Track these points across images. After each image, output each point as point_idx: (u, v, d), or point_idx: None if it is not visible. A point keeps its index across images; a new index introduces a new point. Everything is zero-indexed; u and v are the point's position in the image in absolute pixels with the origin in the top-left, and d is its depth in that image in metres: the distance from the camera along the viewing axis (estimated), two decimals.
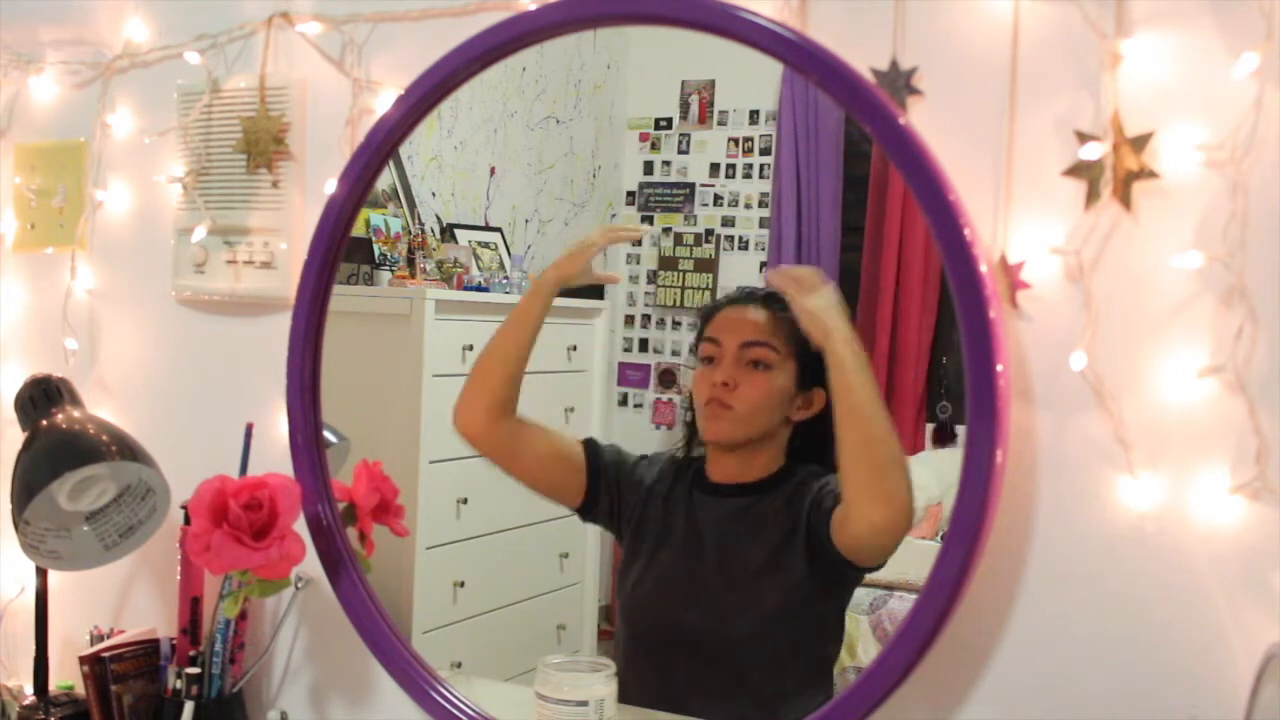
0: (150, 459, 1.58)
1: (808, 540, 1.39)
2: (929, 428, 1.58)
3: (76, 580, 1.74)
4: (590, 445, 1.56)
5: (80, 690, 1.63)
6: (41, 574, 1.69)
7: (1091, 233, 1.14)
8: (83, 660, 1.60)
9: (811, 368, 1.38)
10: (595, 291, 1.81)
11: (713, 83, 1.73)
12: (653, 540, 1.52)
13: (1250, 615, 1.09)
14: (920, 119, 1.21)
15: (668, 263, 1.77)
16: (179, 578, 1.59)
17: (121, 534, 1.61)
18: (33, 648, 1.69)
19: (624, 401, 1.85)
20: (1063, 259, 1.16)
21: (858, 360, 1.28)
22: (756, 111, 1.70)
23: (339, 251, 1.51)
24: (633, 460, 1.55)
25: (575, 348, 1.79)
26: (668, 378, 1.84)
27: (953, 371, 1.52)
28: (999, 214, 1.19)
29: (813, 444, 1.42)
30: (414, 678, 1.46)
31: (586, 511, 1.56)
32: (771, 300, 1.45)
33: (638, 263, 1.79)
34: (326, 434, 1.54)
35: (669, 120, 1.76)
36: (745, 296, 1.52)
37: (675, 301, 1.76)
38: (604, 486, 1.54)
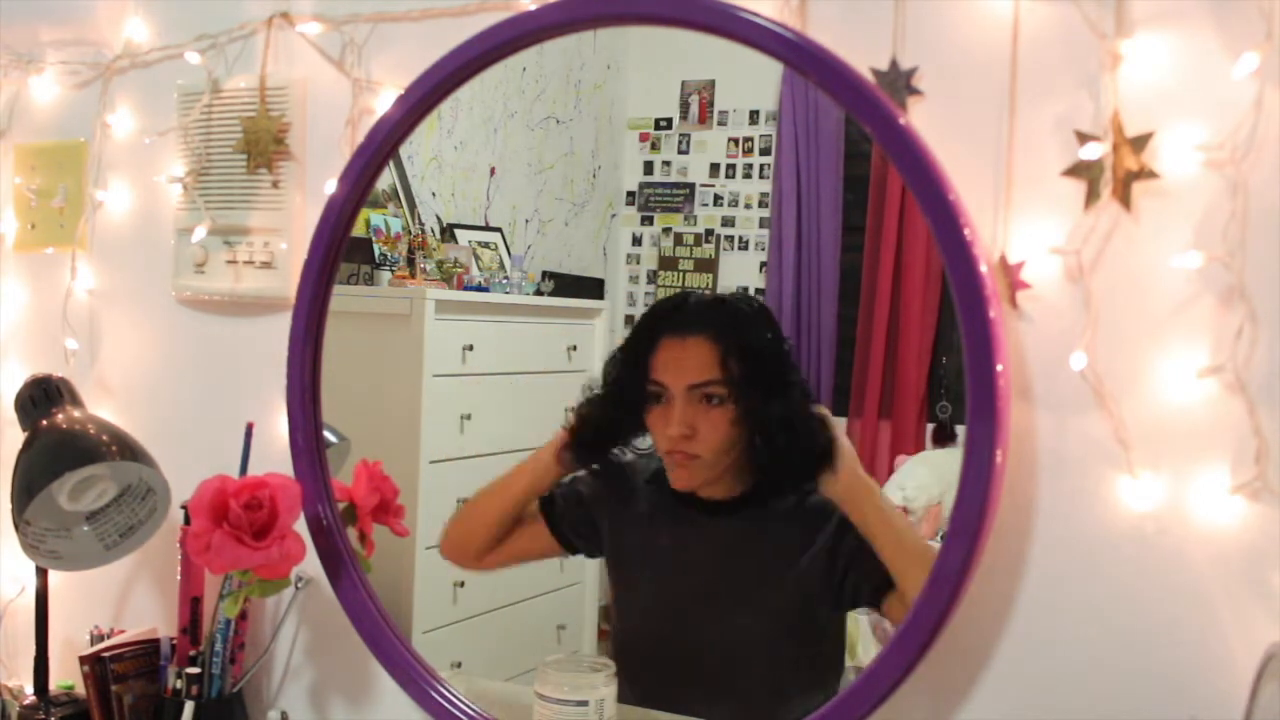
0: (150, 459, 1.58)
1: (839, 588, 1.37)
2: (929, 428, 1.58)
3: (76, 580, 1.74)
4: (545, 506, 1.53)
5: (80, 690, 1.63)
6: (42, 574, 1.69)
7: (1091, 233, 1.14)
8: (83, 660, 1.60)
9: (766, 379, 1.39)
10: (595, 291, 1.81)
11: (713, 83, 1.73)
12: (641, 564, 1.51)
13: (1250, 615, 1.09)
14: (920, 119, 1.21)
15: (668, 263, 1.77)
16: (179, 578, 1.59)
17: (121, 534, 1.61)
18: (33, 648, 1.69)
19: None
20: (1063, 259, 1.16)
21: (891, 505, 1.38)
22: (756, 111, 1.70)
23: (339, 251, 1.51)
24: (599, 489, 1.52)
25: (575, 348, 1.79)
26: None
27: (953, 371, 1.52)
28: (999, 214, 1.19)
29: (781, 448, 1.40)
30: (414, 678, 1.46)
31: (575, 553, 1.59)
32: (711, 321, 1.41)
33: (638, 263, 1.79)
34: (326, 434, 1.54)
35: (669, 120, 1.76)
36: (683, 321, 1.43)
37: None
38: (573, 536, 1.55)
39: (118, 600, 1.78)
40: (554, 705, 1.32)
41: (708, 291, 1.63)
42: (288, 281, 1.58)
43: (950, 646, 1.20)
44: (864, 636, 1.49)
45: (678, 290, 1.74)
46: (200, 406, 1.71)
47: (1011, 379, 1.16)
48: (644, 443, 1.47)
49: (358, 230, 1.57)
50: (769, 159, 1.69)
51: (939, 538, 1.26)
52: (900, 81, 1.21)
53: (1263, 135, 1.08)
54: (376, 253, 1.72)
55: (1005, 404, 1.13)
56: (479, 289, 1.79)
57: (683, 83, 1.74)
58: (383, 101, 1.51)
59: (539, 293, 1.81)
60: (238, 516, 1.36)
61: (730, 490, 1.43)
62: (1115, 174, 1.12)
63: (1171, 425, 1.12)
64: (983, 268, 1.13)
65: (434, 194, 1.80)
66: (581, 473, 1.53)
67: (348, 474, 1.54)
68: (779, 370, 1.44)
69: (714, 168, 1.73)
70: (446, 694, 1.44)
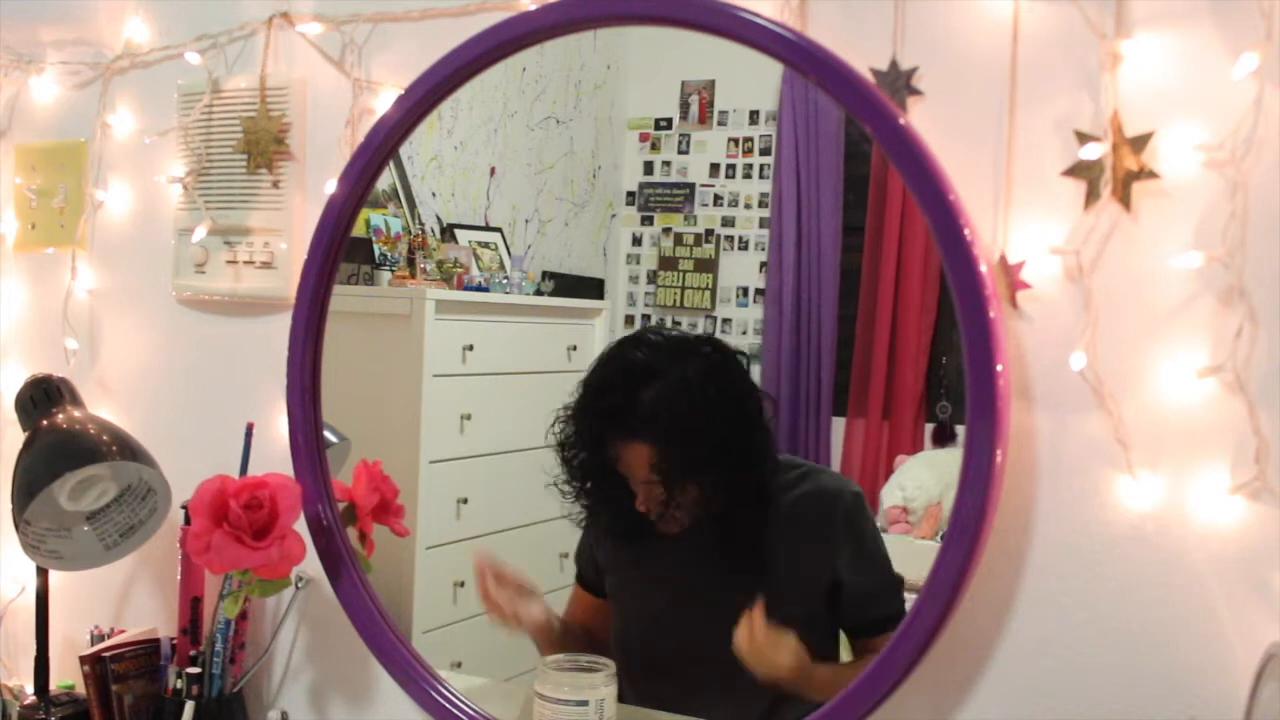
0: (150, 459, 1.58)
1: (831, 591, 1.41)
2: (929, 428, 1.58)
3: (77, 580, 1.74)
4: (580, 579, 1.58)
5: (81, 690, 1.63)
6: (42, 574, 1.69)
7: (1091, 233, 1.14)
8: (83, 660, 1.60)
9: (717, 455, 1.41)
10: (595, 291, 1.81)
11: (713, 83, 1.73)
12: (633, 571, 1.52)
13: (1250, 615, 1.09)
14: (920, 119, 1.21)
15: (667, 263, 1.77)
16: (179, 578, 1.59)
17: (122, 534, 1.61)
18: (33, 647, 1.69)
19: None
20: (1062, 259, 1.16)
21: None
22: (756, 111, 1.70)
23: (339, 251, 1.51)
24: (592, 517, 1.54)
25: (575, 348, 1.79)
26: None
27: (953, 371, 1.52)
28: (999, 214, 1.19)
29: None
30: (414, 678, 1.46)
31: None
32: (649, 424, 1.40)
33: (638, 263, 1.79)
34: (326, 434, 1.54)
35: (669, 120, 1.76)
36: (627, 425, 1.42)
37: (675, 302, 1.76)
38: (597, 579, 1.57)
39: (118, 600, 1.78)
40: (554, 705, 1.32)
41: (650, 345, 1.54)
42: (288, 281, 1.58)
43: (950, 646, 1.20)
44: None
45: (680, 297, 1.74)
46: (200, 406, 1.71)
47: (1011, 379, 1.16)
48: None
49: (358, 230, 1.57)
50: (769, 159, 1.69)
51: (939, 538, 1.26)
52: (900, 81, 1.22)
53: (1262, 135, 1.08)
54: (376, 253, 1.72)
55: (1005, 404, 1.13)
56: (479, 289, 1.79)
57: (683, 83, 1.74)
58: (383, 101, 1.51)
59: (539, 293, 1.81)
60: (238, 516, 1.36)
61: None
62: (1115, 174, 1.12)
63: (1171, 425, 1.12)
64: (983, 268, 1.13)
65: (434, 194, 1.80)
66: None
67: (348, 474, 1.54)
68: (728, 442, 1.44)
69: (714, 168, 1.73)
70: (446, 694, 1.44)
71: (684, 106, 1.75)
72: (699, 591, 1.47)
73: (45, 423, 1.58)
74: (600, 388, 1.48)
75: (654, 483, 1.41)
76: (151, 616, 1.73)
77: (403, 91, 1.44)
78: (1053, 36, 1.16)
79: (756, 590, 1.38)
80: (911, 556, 1.37)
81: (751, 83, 1.68)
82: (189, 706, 1.50)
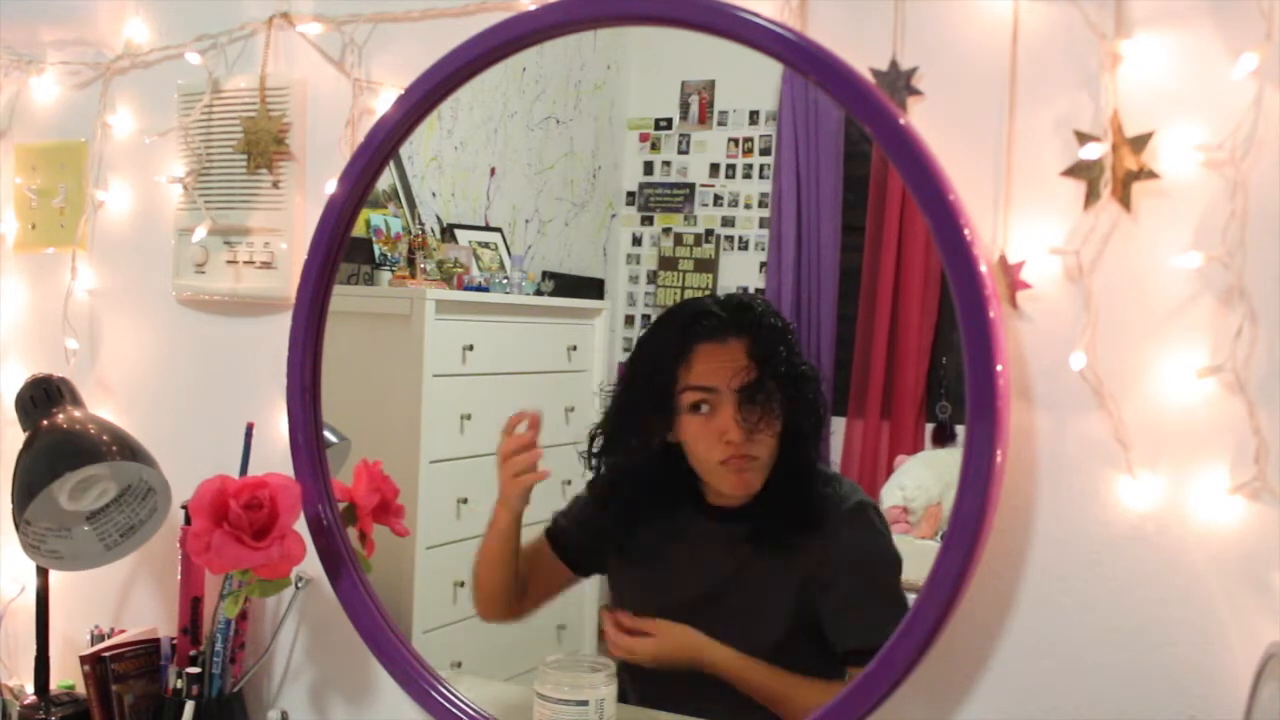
0: (151, 459, 1.58)
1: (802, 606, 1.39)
2: (929, 428, 1.58)
3: (77, 580, 1.74)
4: (551, 534, 1.55)
5: (81, 690, 1.63)
6: (42, 574, 1.69)
7: (1091, 233, 1.15)
8: (84, 660, 1.61)
9: (796, 370, 1.40)
10: (595, 291, 1.81)
11: (713, 83, 1.73)
12: (645, 567, 1.51)
13: (1250, 615, 1.09)
14: (920, 119, 1.21)
15: (667, 263, 1.76)
16: (179, 578, 1.60)
17: (122, 534, 1.61)
18: (34, 647, 1.69)
19: None
20: (1062, 259, 1.16)
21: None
22: (756, 112, 1.69)
23: (339, 251, 1.51)
24: (603, 503, 1.52)
25: (575, 348, 1.79)
26: None
27: (953, 371, 1.52)
28: (999, 214, 1.19)
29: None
30: (414, 678, 1.46)
31: (589, 574, 1.59)
32: (743, 322, 1.40)
33: (638, 263, 1.79)
34: (326, 434, 1.54)
35: (669, 120, 1.76)
36: (719, 323, 1.41)
37: (675, 301, 1.76)
38: (583, 558, 1.57)
39: (118, 600, 1.78)
40: (554, 705, 1.32)
41: (711, 294, 1.64)
42: (288, 281, 1.59)
43: (950, 646, 1.20)
44: None
45: (680, 297, 1.74)
46: (200, 406, 1.71)
47: (1011, 379, 1.16)
48: None
49: (358, 230, 1.57)
50: (769, 159, 1.69)
51: (939, 538, 1.26)
52: (900, 81, 1.22)
53: (1262, 135, 1.08)
54: (376, 253, 1.72)
55: (1005, 404, 1.13)
56: (479, 289, 1.79)
57: (683, 83, 1.74)
58: (383, 101, 1.51)
59: (539, 293, 1.81)
60: (238, 516, 1.37)
61: (746, 490, 1.43)
62: (1115, 174, 1.13)
63: (1171, 425, 1.12)
64: (983, 268, 1.13)
65: (434, 194, 1.80)
66: (582, 493, 1.54)
67: (348, 474, 1.54)
68: (798, 360, 1.45)
69: (714, 168, 1.73)
70: (446, 694, 1.44)
71: (684, 106, 1.75)
72: (727, 586, 1.45)
73: (45, 423, 1.58)
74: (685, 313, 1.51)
75: (749, 389, 1.35)
76: (151, 616, 1.73)
77: (403, 91, 1.44)
78: (1052, 36, 1.16)
79: (777, 581, 1.37)
80: (911, 556, 1.37)
81: (751, 83, 1.68)
82: (189, 706, 1.50)
